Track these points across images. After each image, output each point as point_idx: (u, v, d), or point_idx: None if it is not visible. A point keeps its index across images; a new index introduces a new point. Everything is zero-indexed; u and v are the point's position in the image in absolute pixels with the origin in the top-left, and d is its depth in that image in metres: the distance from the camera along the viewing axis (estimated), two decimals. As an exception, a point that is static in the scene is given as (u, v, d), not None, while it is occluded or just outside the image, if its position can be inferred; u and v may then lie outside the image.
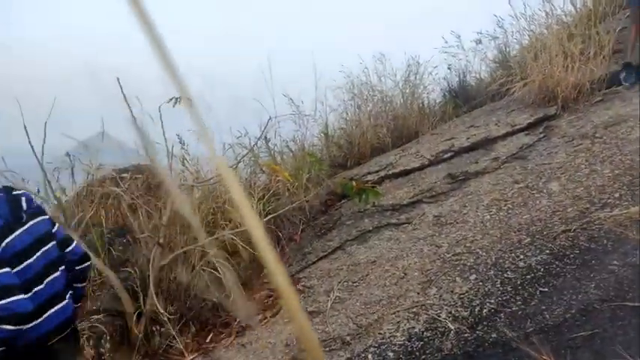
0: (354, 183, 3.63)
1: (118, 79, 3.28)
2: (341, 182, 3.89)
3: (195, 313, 3.69)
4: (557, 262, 2.63)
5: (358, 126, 6.44)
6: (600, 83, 4.58)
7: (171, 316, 3.32)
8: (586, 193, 3.17)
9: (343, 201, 4.90)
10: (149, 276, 3.56)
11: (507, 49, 7.41)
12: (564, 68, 4.62)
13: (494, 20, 7.14)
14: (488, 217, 3.45)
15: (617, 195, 2.99)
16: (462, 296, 2.71)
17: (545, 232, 2.96)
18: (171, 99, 3.70)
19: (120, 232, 4.33)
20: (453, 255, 3.16)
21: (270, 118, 3.87)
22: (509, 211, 3.39)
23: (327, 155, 6.27)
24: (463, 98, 7.20)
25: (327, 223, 4.55)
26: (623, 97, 4.27)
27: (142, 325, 3.38)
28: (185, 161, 4.58)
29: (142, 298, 3.51)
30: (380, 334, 2.72)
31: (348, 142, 6.25)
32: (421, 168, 4.91)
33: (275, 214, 3.83)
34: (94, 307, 3.65)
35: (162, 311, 3.37)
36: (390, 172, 5.04)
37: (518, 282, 2.61)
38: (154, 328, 3.43)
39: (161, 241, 3.48)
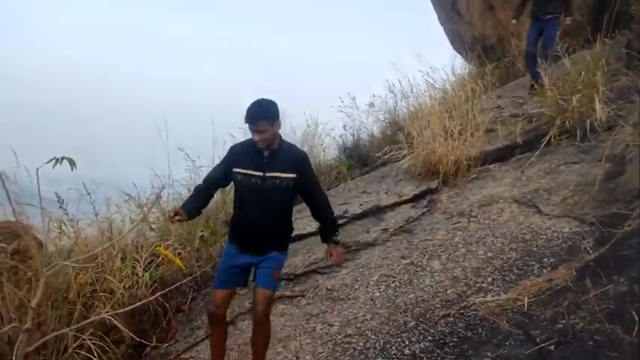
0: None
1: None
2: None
3: (64, 403, 3.30)
4: (438, 351, 2.80)
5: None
6: (476, 160, 5.10)
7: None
8: (463, 274, 3.45)
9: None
10: (10, 363, 3.13)
11: (397, 111, 8.05)
12: (445, 145, 5.07)
13: (385, 85, 7.78)
14: (378, 294, 3.59)
15: (490, 279, 3.29)
16: (351, 385, 2.75)
17: (427, 316, 3.14)
18: (52, 159, 3.38)
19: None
20: (344, 337, 3.22)
21: (163, 187, 3.70)
22: (397, 289, 3.57)
23: (223, 211, 6.14)
24: (357, 156, 7.58)
25: (219, 291, 4.40)
26: (494, 177, 4.79)
27: None
28: (62, 224, 4.18)
29: (-2, 390, 3.06)
30: None
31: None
32: (316, 233, 4.98)
33: (165, 291, 3.60)
34: None
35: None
36: (286, 236, 5.05)
37: (404, 372, 2.72)
38: None
39: (29, 326, 3.08)
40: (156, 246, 2.80)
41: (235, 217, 3.13)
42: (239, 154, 2.98)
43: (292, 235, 5.05)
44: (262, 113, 2.79)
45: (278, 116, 2.88)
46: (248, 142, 2.95)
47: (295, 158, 2.95)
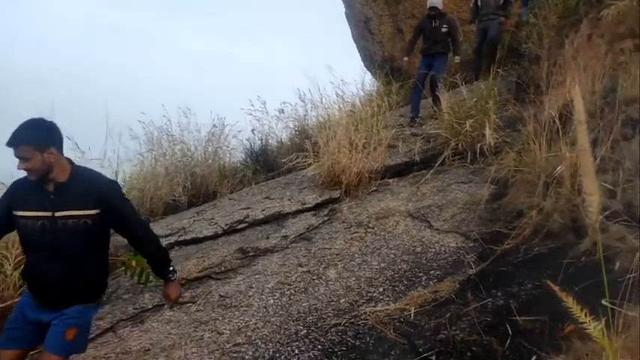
0: (134, 262, 3.33)
1: None
2: (121, 258, 3.59)
3: None
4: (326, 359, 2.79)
5: (153, 179, 6.08)
6: (377, 174, 5.27)
7: None
8: (357, 284, 3.51)
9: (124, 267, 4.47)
10: None
11: (306, 120, 8.11)
12: (350, 157, 5.18)
13: (296, 93, 7.82)
14: (272, 301, 3.52)
15: (381, 289, 3.37)
16: (236, 396, 2.64)
17: (319, 324, 3.13)
18: None
19: None
20: (233, 345, 3.09)
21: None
22: (291, 297, 3.52)
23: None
24: (263, 161, 7.49)
25: (100, 295, 4.05)
26: (392, 191, 4.97)
27: None
28: None
29: None
30: None
31: (139, 197, 5.82)
32: (214, 237, 4.82)
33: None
34: None
35: None
36: (182, 239, 4.83)
37: (291, 382, 2.68)
38: None
39: None
40: None
41: (25, 266, 2.45)
42: (19, 192, 2.30)
43: (187, 239, 4.88)
44: (26, 136, 2.17)
45: (54, 142, 2.24)
46: None
47: (97, 191, 2.29)
